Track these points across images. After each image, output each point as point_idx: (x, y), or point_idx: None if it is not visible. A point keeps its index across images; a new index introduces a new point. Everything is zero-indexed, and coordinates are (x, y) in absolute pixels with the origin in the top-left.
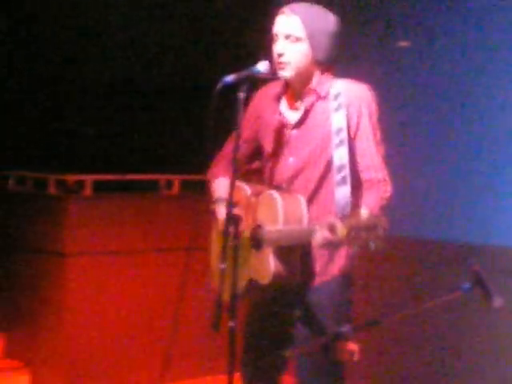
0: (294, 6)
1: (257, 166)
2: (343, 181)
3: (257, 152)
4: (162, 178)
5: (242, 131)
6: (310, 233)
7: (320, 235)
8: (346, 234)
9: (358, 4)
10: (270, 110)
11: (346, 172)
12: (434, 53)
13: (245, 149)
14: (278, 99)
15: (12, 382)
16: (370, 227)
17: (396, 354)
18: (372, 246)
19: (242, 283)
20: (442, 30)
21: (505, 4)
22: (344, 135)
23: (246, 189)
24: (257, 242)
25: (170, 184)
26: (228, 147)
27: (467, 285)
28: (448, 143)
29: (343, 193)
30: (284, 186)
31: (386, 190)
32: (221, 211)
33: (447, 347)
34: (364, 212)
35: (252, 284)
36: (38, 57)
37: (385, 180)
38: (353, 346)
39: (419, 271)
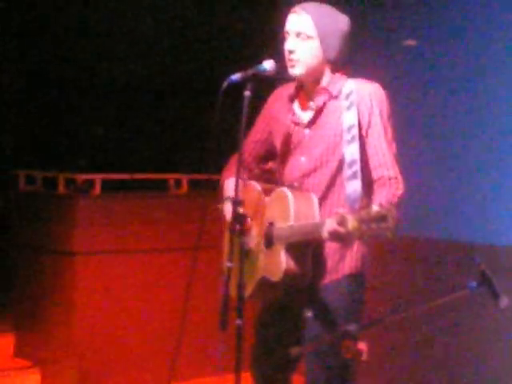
0: (306, 5)
1: (270, 167)
2: (354, 175)
3: (270, 153)
4: (170, 177)
5: (256, 132)
6: (319, 226)
7: (329, 228)
8: (357, 227)
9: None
10: (284, 111)
11: (357, 167)
12: (445, 51)
13: (258, 149)
14: (292, 100)
15: (22, 381)
16: (381, 219)
17: (401, 354)
18: (383, 236)
19: (253, 283)
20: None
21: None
22: (355, 131)
23: (257, 188)
24: (268, 240)
25: (178, 183)
26: (243, 148)
27: (474, 284)
28: (454, 142)
29: (354, 187)
30: (296, 184)
31: (398, 187)
32: (228, 210)
33: (452, 345)
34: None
35: (263, 282)
36: (48, 56)
37: (396, 178)
38: (362, 346)
39: (424, 271)
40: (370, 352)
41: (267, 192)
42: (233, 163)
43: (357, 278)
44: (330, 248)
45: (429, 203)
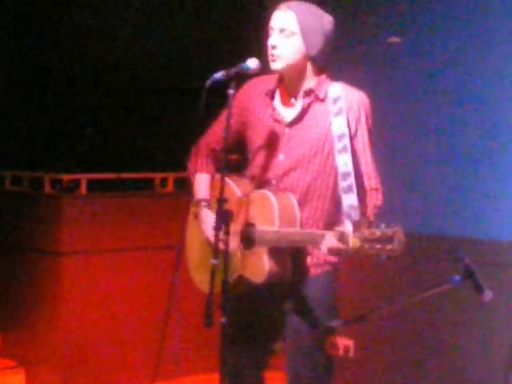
0: (291, 3)
1: (236, 158)
2: (349, 188)
3: (238, 144)
4: (156, 176)
5: (223, 122)
6: (318, 239)
7: (329, 244)
8: (359, 246)
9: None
10: (262, 104)
11: (352, 179)
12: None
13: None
14: (271, 94)
15: (7, 381)
16: (386, 240)
17: (385, 349)
18: (383, 257)
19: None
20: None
21: None
22: (347, 141)
23: (233, 186)
24: (248, 241)
25: (164, 182)
26: (207, 137)
27: (457, 278)
28: (441, 139)
29: (350, 201)
30: (273, 182)
31: (378, 197)
32: (205, 214)
33: (438, 340)
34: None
35: (240, 281)
36: (34, 55)
37: (377, 189)
38: (348, 342)
39: (411, 265)
40: (357, 348)
41: (246, 192)
42: (197, 154)
43: (334, 273)
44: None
45: (415, 198)
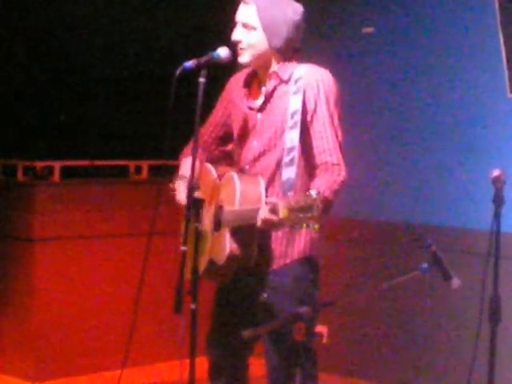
0: None
1: (230, 149)
2: (291, 162)
3: (229, 135)
4: (130, 163)
5: (216, 115)
6: (256, 213)
7: (262, 215)
8: (287, 216)
9: None
10: (240, 96)
11: (295, 154)
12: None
13: (217, 131)
14: (248, 85)
15: None
16: (307, 208)
17: (353, 337)
18: (310, 226)
19: (203, 265)
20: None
21: None
22: (298, 118)
23: (211, 171)
24: (217, 223)
25: (138, 169)
26: (201, 130)
27: (425, 265)
28: (411, 126)
29: (289, 174)
30: (247, 167)
31: (339, 174)
32: (179, 188)
33: (404, 326)
34: (307, 193)
35: (211, 264)
36: (11, 42)
37: (339, 164)
38: (321, 329)
39: (380, 253)
40: (331, 335)
41: (221, 175)
42: (190, 144)
43: (307, 262)
44: (278, 232)
45: (385, 186)
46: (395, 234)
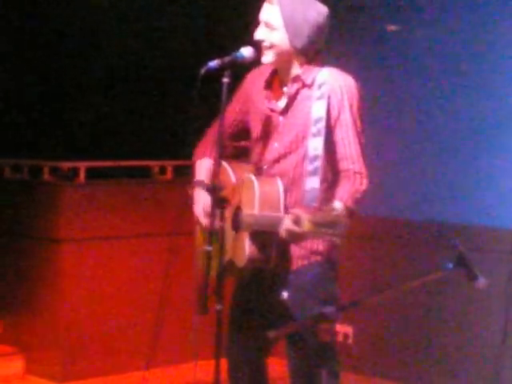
0: None
1: (244, 145)
2: (314, 172)
3: (244, 132)
4: (155, 164)
5: (232, 111)
6: (279, 222)
7: (285, 226)
8: (312, 230)
9: None
10: (260, 96)
11: (319, 163)
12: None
13: (233, 128)
14: (269, 85)
15: (7, 367)
16: (331, 224)
17: (379, 336)
18: (335, 240)
19: (222, 263)
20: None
21: None
22: (322, 125)
23: (229, 171)
24: (235, 224)
25: (163, 170)
26: (213, 128)
27: (450, 265)
28: (431, 126)
29: (312, 184)
30: (265, 168)
31: (362, 182)
32: (199, 195)
33: (430, 326)
34: (332, 206)
35: (231, 264)
36: (32, 44)
37: (361, 173)
38: (347, 329)
39: (400, 251)
40: (356, 335)
41: (238, 175)
42: (203, 144)
43: (327, 261)
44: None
45: (405, 185)
46: (418, 232)
